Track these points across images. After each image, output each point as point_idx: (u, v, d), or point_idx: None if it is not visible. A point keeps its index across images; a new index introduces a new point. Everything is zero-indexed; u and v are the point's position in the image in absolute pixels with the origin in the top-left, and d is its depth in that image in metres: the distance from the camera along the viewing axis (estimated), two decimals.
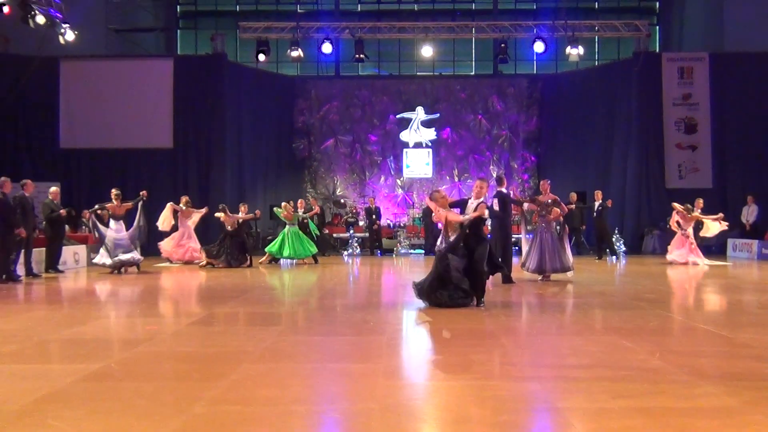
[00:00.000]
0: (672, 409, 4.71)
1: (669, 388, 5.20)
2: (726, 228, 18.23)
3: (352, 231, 23.32)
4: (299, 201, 19.83)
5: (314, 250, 18.74)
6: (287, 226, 18.54)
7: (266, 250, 19.12)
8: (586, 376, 5.62)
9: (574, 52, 23.10)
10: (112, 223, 15.85)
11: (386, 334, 7.69)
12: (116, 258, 15.61)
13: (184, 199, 18.96)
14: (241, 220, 17.93)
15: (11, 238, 13.65)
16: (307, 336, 7.77)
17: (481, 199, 9.87)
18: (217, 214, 18.08)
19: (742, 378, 5.56)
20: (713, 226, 17.84)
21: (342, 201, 25.98)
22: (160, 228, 18.30)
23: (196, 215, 19.02)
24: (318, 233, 20.37)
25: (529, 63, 27.56)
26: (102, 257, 15.83)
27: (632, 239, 22.38)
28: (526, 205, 13.53)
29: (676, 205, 17.93)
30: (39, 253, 15.60)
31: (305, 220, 19.33)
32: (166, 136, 23.19)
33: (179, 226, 18.62)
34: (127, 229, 15.98)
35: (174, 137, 23.23)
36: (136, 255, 15.98)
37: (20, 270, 14.36)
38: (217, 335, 7.88)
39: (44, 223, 16.00)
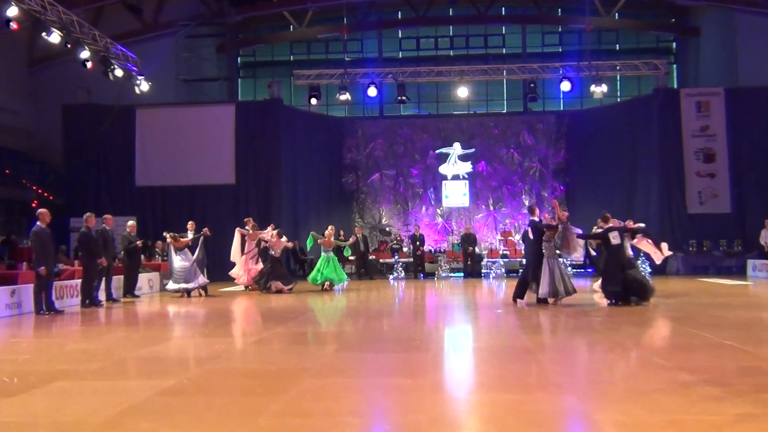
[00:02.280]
0: (703, 421, 4.56)
1: (699, 401, 5.05)
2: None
3: (397, 256, 23.27)
4: (339, 231, 18.68)
5: (344, 278, 17.89)
6: (323, 253, 17.50)
7: (310, 280, 17.76)
8: (620, 391, 5.48)
9: (598, 89, 22.90)
10: (176, 254, 16.07)
11: (431, 352, 7.62)
12: (181, 286, 15.83)
13: (250, 222, 17.80)
14: (286, 245, 17.00)
15: (94, 267, 13.87)
16: (360, 353, 7.74)
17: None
18: (264, 239, 17.03)
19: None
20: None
21: (387, 229, 25.97)
22: (232, 259, 17.51)
23: (264, 235, 17.75)
24: (349, 255, 19.53)
25: (557, 101, 27.38)
26: (172, 284, 16.09)
27: None
28: (561, 227, 13.07)
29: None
30: (118, 280, 15.84)
31: (342, 247, 18.70)
32: (229, 174, 23.46)
33: (245, 249, 17.43)
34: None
35: (236, 174, 23.47)
36: (200, 280, 16.06)
37: (101, 295, 14.60)
38: (278, 353, 7.89)
39: (122, 253, 16.26)
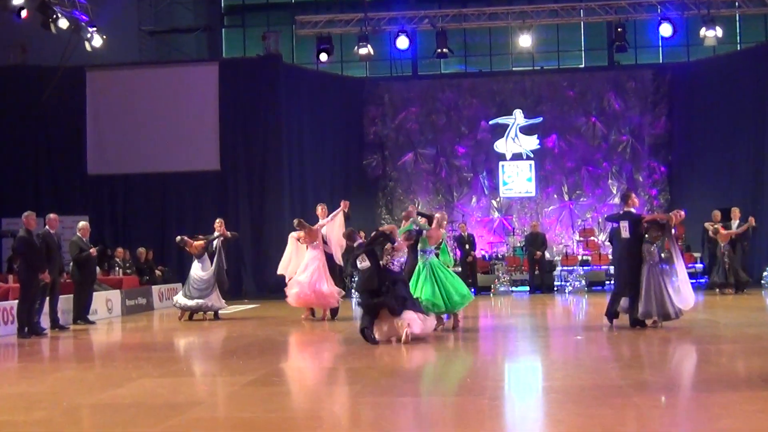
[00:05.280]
0: None
1: None
2: None
3: None
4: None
5: (466, 296, 13.01)
6: (422, 258, 13.02)
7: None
8: None
9: (711, 34, 22.65)
10: (195, 261, 16.20)
11: (487, 394, 7.61)
12: (190, 302, 15.86)
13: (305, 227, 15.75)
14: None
15: (35, 284, 13.91)
16: (391, 397, 7.74)
17: None
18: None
19: None
20: None
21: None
22: (281, 272, 16.16)
23: (332, 223, 15.55)
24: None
25: (654, 50, 27.19)
26: (180, 298, 16.11)
27: None
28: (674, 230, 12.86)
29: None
30: (66, 301, 15.92)
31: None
32: (213, 157, 23.60)
33: (307, 259, 15.52)
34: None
35: (221, 158, 23.62)
36: (209, 302, 15.99)
37: (45, 321, 14.61)
38: (281, 397, 7.92)
39: (72, 264, 16.37)
